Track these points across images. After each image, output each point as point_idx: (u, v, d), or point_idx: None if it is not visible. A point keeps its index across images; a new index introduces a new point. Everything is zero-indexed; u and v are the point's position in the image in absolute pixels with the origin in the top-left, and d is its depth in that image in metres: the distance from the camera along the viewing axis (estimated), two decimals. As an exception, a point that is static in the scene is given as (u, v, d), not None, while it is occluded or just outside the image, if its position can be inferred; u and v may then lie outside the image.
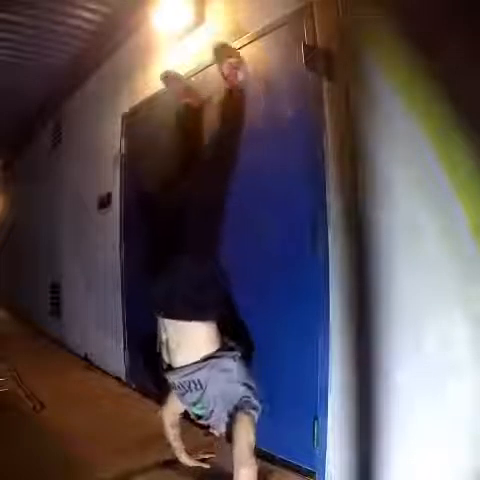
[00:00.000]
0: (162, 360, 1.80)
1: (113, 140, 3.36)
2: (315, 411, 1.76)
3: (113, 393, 3.02)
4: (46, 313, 4.99)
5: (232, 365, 1.67)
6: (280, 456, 1.93)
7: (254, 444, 1.54)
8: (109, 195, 3.45)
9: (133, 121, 3.14)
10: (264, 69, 2.03)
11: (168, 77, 2.23)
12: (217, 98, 2.06)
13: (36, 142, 5.64)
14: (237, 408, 1.63)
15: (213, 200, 1.81)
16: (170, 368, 1.74)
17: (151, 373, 2.72)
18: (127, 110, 3.20)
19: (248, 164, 2.02)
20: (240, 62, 1.94)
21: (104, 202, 3.54)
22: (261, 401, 1.67)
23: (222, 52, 1.94)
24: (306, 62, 1.80)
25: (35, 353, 4.24)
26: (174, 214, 1.78)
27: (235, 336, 1.83)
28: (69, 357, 4.07)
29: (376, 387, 1.57)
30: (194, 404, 1.70)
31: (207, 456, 2.00)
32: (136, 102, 3.10)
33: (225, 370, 1.65)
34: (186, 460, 1.93)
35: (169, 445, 1.93)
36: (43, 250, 5.23)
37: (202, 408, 1.69)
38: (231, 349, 1.73)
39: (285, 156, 1.91)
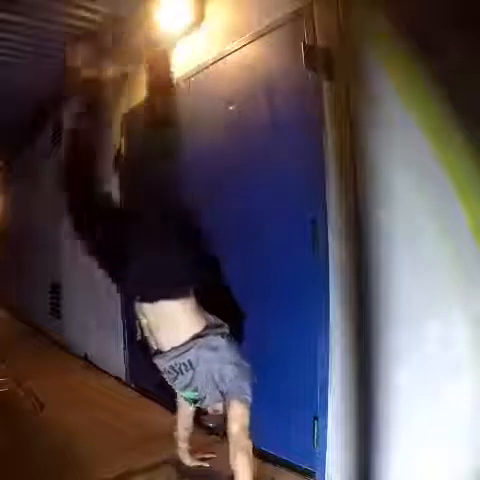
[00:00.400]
0: (149, 347, 1.78)
1: (113, 140, 3.36)
2: (315, 411, 1.77)
3: (113, 393, 3.03)
4: (46, 313, 4.99)
5: (220, 342, 1.64)
6: (280, 456, 1.93)
7: (248, 427, 1.55)
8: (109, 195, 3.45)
9: (133, 121, 3.14)
10: (264, 69, 2.03)
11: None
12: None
13: (36, 142, 5.64)
14: (229, 392, 1.60)
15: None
16: (158, 353, 1.72)
17: (152, 373, 2.73)
18: (127, 110, 3.20)
19: (247, 164, 2.03)
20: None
21: (104, 202, 3.54)
22: (253, 380, 1.63)
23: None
24: (306, 62, 1.80)
25: (35, 353, 4.24)
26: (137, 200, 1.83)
27: (222, 309, 1.81)
28: (69, 357, 4.07)
29: (376, 387, 1.57)
30: (186, 387, 1.68)
31: (208, 456, 2.00)
32: (136, 102, 3.09)
33: (213, 348, 1.63)
34: (187, 460, 1.94)
35: (174, 444, 1.94)
36: (43, 250, 5.23)
37: (194, 391, 1.68)
38: (218, 326, 1.71)
39: (285, 156, 1.91)
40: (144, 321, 1.74)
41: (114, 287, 3.27)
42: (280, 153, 1.93)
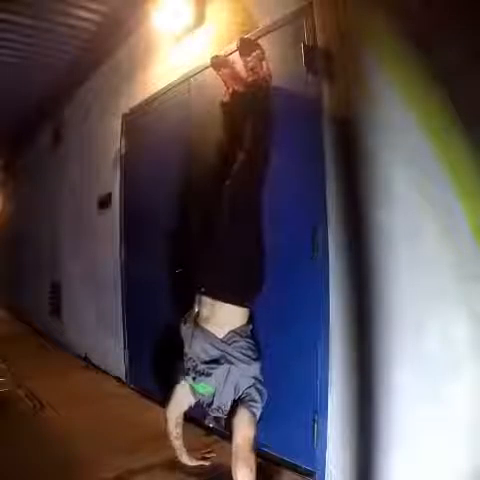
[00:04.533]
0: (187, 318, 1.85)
1: (113, 140, 3.36)
2: (315, 411, 1.77)
3: (113, 393, 3.02)
4: (46, 313, 4.99)
5: (250, 353, 1.72)
6: (280, 456, 1.93)
7: (253, 440, 1.55)
8: (109, 195, 3.45)
9: (133, 121, 3.14)
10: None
11: (218, 62, 2.15)
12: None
13: (36, 142, 5.64)
14: (241, 399, 1.64)
15: (253, 192, 1.91)
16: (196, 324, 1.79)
17: (152, 373, 2.73)
18: (127, 110, 3.20)
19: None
20: (264, 53, 1.96)
21: (104, 202, 3.54)
22: (265, 401, 1.69)
23: (246, 46, 1.96)
24: (306, 62, 1.80)
25: (35, 353, 4.25)
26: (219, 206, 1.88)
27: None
28: (69, 357, 4.07)
29: (376, 387, 1.57)
30: (200, 375, 1.71)
31: (207, 455, 2.00)
32: (136, 102, 3.10)
33: (245, 355, 1.71)
34: (186, 460, 1.93)
35: (170, 444, 1.93)
36: (43, 250, 5.23)
37: (205, 388, 1.71)
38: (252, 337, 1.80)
39: (285, 156, 1.91)
40: (196, 309, 1.83)
41: (114, 287, 3.28)
42: (279, 153, 1.93)
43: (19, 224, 6.60)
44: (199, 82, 2.44)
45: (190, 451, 1.96)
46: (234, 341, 1.72)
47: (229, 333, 1.73)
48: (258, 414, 1.63)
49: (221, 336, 1.73)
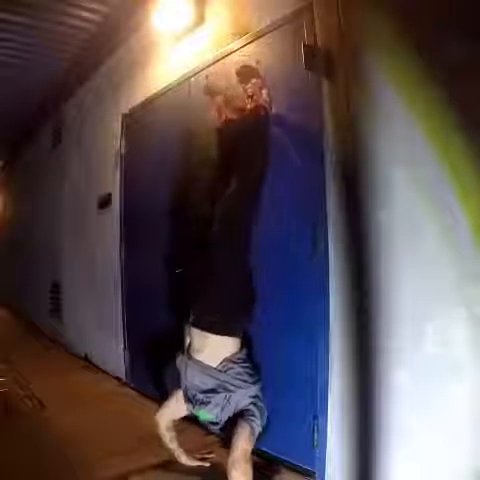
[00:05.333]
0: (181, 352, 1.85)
1: (113, 140, 3.36)
2: (315, 411, 1.77)
3: (113, 393, 3.02)
4: (46, 313, 4.99)
5: (246, 378, 1.73)
6: (280, 456, 1.93)
7: (250, 454, 1.56)
8: (109, 195, 3.45)
9: (133, 121, 3.14)
10: (264, 69, 2.03)
11: (211, 90, 2.21)
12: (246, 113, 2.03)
13: (36, 142, 5.64)
14: (242, 415, 1.66)
15: (244, 220, 1.90)
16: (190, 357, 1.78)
17: (152, 373, 2.73)
18: (127, 110, 3.20)
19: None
20: (263, 81, 1.97)
21: (104, 202, 3.54)
22: (265, 416, 1.71)
23: (246, 73, 1.99)
24: (306, 62, 1.80)
25: (35, 353, 4.24)
26: (208, 231, 1.87)
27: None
28: (69, 357, 4.07)
29: (376, 387, 1.57)
30: (200, 404, 1.72)
31: (207, 456, 2.00)
32: (136, 102, 3.10)
33: (242, 380, 1.71)
34: (186, 460, 1.93)
35: (166, 447, 1.93)
36: (43, 250, 5.23)
37: (205, 415, 1.73)
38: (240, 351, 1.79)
39: (284, 156, 1.91)
40: (187, 341, 1.83)
41: (114, 287, 3.28)
42: (279, 153, 1.93)
43: (19, 224, 6.60)
44: (199, 82, 2.44)
45: (189, 451, 1.96)
46: (229, 368, 1.72)
47: (223, 361, 1.73)
48: (257, 430, 1.64)
49: (215, 365, 1.72)
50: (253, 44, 2.08)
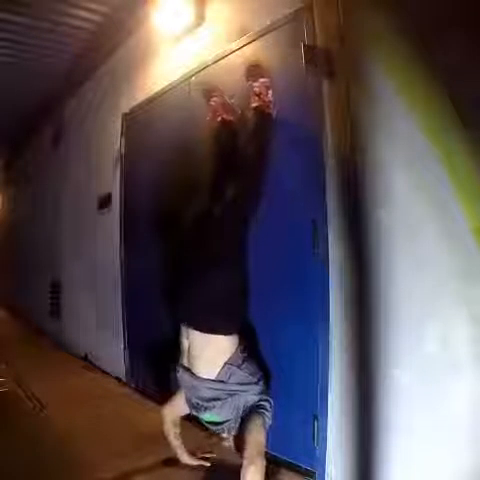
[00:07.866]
0: (180, 365, 1.81)
1: (113, 140, 3.36)
2: (315, 411, 1.77)
3: (113, 393, 3.02)
4: (46, 313, 4.99)
5: (250, 379, 1.71)
6: (280, 456, 1.93)
7: (264, 445, 1.56)
8: (109, 195, 3.45)
9: (133, 121, 3.14)
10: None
11: (209, 92, 2.20)
12: (248, 114, 2.03)
13: (36, 142, 5.64)
14: (253, 409, 1.66)
15: (242, 221, 1.86)
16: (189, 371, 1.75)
17: (152, 373, 2.73)
18: (127, 110, 3.20)
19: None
20: (271, 81, 1.96)
21: (104, 202, 3.54)
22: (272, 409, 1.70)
23: (256, 71, 1.97)
24: (306, 62, 1.80)
25: (35, 353, 4.24)
26: (201, 230, 1.84)
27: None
28: (69, 357, 4.06)
29: (376, 387, 1.57)
30: (204, 410, 1.71)
31: (208, 455, 2.00)
32: (136, 102, 3.10)
33: (244, 384, 1.69)
34: (187, 459, 1.93)
35: (169, 444, 1.93)
36: (43, 250, 5.23)
37: (211, 417, 1.72)
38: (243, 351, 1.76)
39: (285, 156, 1.91)
40: (185, 344, 1.78)
41: (114, 287, 3.28)
42: (279, 153, 1.93)
43: (19, 224, 6.60)
44: (199, 82, 2.43)
45: (190, 450, 1.96)
46: (231, 375, 1.68)
47: (224, 367, 1.68)
48: (268, 423, 1.64)
49: (215, 374, 1.67)
50: (253, 44, 2.09)
